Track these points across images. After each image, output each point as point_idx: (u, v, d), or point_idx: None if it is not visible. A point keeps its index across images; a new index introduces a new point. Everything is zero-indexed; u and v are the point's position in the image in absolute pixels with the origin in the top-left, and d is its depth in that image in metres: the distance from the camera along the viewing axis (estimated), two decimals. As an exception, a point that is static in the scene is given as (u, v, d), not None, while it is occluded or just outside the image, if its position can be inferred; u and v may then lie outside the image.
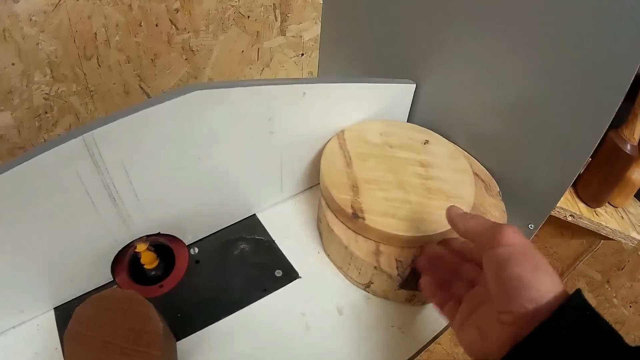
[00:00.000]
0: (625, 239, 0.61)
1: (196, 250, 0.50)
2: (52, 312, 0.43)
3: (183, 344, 0.41)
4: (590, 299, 1.21)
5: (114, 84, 0.54)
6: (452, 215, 0.36)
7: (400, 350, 0.43)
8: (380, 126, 0.53)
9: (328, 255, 0.49)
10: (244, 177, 0.49)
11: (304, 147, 0.52)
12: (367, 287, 0.46)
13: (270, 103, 0.43)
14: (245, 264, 0.49)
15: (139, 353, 0.32)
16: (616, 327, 1.06)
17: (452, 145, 0.52)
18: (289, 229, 0.52)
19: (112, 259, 0.44)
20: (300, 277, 0.48)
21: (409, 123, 0.55)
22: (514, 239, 0.29)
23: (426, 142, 0.51)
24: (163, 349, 0.33)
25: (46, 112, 0.57)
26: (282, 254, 0.50)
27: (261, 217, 0.53)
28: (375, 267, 0.43)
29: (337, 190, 0.45)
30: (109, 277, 0.45)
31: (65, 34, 0.53)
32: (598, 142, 0.43)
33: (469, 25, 0.48)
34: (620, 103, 0.39)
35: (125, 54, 0.57)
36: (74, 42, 0.54)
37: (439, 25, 0.51)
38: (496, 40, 0.47)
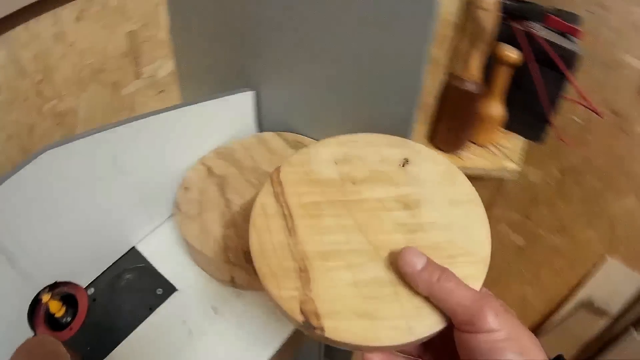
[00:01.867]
0: (501, 174, 0.70)
1: (92, 290, 0.60)
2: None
3: None
4: (517, 237, 1.39)
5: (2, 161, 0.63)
6: (411, 272, 0.30)
7: (275, 333, 0.54)
8: (335, 149, 0.41)
9: (195, 262, 0.60)
10: (113, 217, 0.59)
11: (162, 177, 0.62)
12: (232, 282, 0.57)
13: (113, 145, 0.54)
14: (132, 290, 0.60)
15: None
16: (553, 255, 1.19)
17: (440, 157, 0.40)
18: (164, 251, 0.63)
19: (26, 316, 0.53)
20: (177, 290, 0.58)
21: (374, 134, 0.43)
22: (497, 323, 0.26)
23: (405, 162, 0.39)
24: None
25: None
26: (160, 273, 0.61)
27: (139, 247, 0.64)
28: (225, 262, 0.53)
29: (276, 282, 0.32)
30: (31, 334, 0.54)
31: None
32: (413, 106, 0.54)
33: (289, 34, 0.60)
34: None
35: (6, 133, 0.67)
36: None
37: (267, 36, 0.63)
38: (314, 37, 0.58)
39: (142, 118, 0.58)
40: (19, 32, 0.61)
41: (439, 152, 0.68)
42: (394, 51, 0.52)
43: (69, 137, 0.51)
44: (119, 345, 0.54)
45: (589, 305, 1.32)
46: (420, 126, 0.66)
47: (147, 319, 0.57)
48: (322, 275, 0.32)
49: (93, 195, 0.55)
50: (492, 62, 0.65)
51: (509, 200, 1.31)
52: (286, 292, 0.31)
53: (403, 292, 0.31)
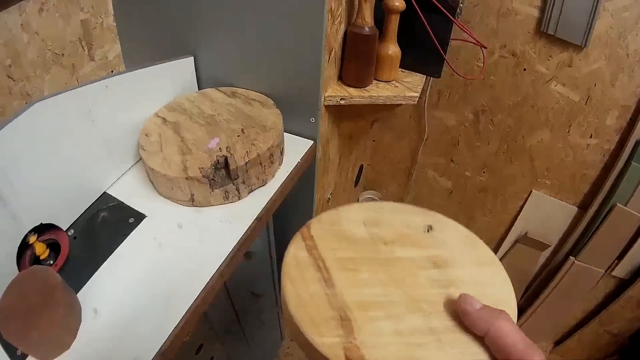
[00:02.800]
0: (403, 100, 0.89)
1: (72, 231, 0.75)
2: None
3: (83, 294, 0.65)
4: (445, 181, 1.60)
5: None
6: (471, 310, 0.32)
7: (229, 237, 0.70)
8: (360, 212, 0.43)
9: (160, 194, 0.75)
10: (88, 165, 0.75)
11: (124, 127, 0.79)
12: (192, 201, 0.72)
13: (85, 99, 0.71)
14: (106, 224, 0.75)
15: (48, 298, 0.56)
16: (482, 195, 1.37)
17: (460, 226, 0.43)
18: (133, 191, 0.79)
19: (15, 260, 0.66)
20: (146, 216, 0.74)
21: (399, 204, 0.46)
22: None
23: (429, 228, 0.42)
24: (64, 295, 0.58)
25: None
26: (130, 207, 0.77)
27: (110, 191, 0.79)
28: (186, 178, 0.68)
29: (317, 331, 0.33)
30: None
31: None
32: (321, 49, 0.75)
33: (216, 6, 0.79)
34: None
35: None
36: None
37: (199, 8, 0.82)
38: (237, 7, 0.78)
39: (109, 77, 0.74)
40: (-10, 22, 0.77)
41: (350, 87, 0.88)
42: (300, 8, 0.72)
43: (54, 93, 0.66)
44: (100, 267, 0.69)
45: (526, 240, 1.52)
46: (332, 69, 0.85)
47: (123, 242, 0.72)
48: (365, 324, 0.33)
49: (72, 144, 0.71)
50: (383, 11, 0.84)
51: (431, 146, 1.52)
52: (329, 339, 0.32)
53: (446, 340, 0.33)
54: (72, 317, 0.60)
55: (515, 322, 0.33)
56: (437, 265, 0.38)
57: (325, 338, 0.32)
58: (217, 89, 0.89)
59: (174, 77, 0.87)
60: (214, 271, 0.65)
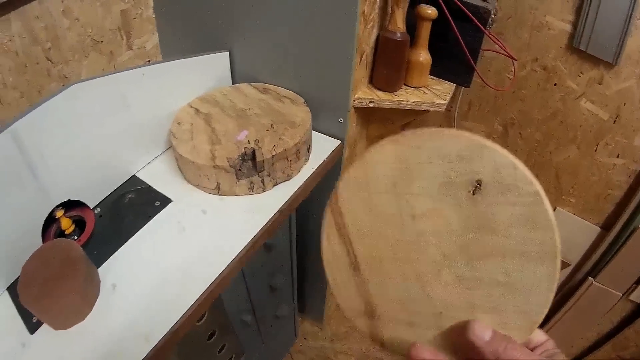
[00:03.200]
0: (431, 107, 0.90)
1: (98, 209, 0.78)
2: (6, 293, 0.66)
3: (103, 269, 0.68)
4: None
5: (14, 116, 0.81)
6: (480, 344, 0.32)
7: (251, 227, 0.73)
8: (393, 164, 0.34)
9: (188, 181, 0.78)
10: (119, 147, 0.79)
11: (158, 115, 0.83)
12: (218, 189, 0.75)
13: (122, 85, 0.74)
14: (133, 205, 0.78)
15: (69, 269, 0.60)
16: None
17: (528, 176, 0.31)
18: (161, 176, 0.83)
19: (40, 232, 0.70)
20: (172, 201, 0.77)
21: (439, 132, 0.32)
22: None
23: (476, 187, 0.31)
24: (85, 267, 0.61)
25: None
26: (157, 191, 0.80)
27: (139, 175, 0.83)
28: (213, 167, 0.71)
29: (352, 314, 0.37)
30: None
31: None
32: (353, 51, 0.77)
33: (254, 6, 0.83)
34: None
35: (19, 91, 0.86)
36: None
37: (237, 7, 0.85)
38: (273, 7, 0.80)
39: (146, 65, 0.77)
40: (34, 6, 0.82)
41: (379, 91, 0.90)
42: (333, 10, 0.75)
43: (92, 76, 0.70)
44: (123, 246, 0.72)
45: None
46: (362, 71, 0.87)
47: (147, 223, 0.75)
48: (387, 326, 0.37)
49: (105, 126, 0.75)
50: (415, 18, 0.85)
51: None
52: (360, 322, 0.37)
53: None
54: (91, 289, 0.64)
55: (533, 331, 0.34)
56: (469, 258, 0.32)
57: (358, 321, 0.37)
58: (250, 85, 0.91)
59: (208, 71, 0.90)
60: (231, 258, 0.68)
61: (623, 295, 1.34)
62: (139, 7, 0.98)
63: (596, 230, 1.36)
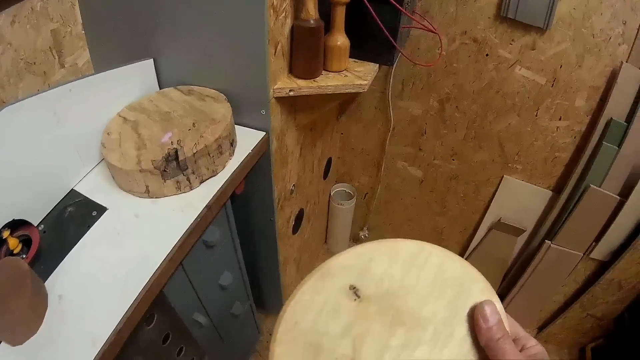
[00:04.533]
0: (352, 89, 0.93)
1: (42, 226, 0.81)
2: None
3: (50, 282, 0.71)
4: (415, 170, 1.63)
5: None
6: (482, 326, 0.36)
7: (181, 222, 0.76)
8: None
9: (121, 188, 0.81)
10: (55, 164, 0.81)
11: (90, 128, 0.86)
12: (148, 192, 0.79)
13: (51, 103, 0.77)
14: (73, 218, 0.81)
15: (18, 286, 0.63)
16: (453, 183, 1.41)
17: None
18: (97, 187, 0.86)
19: None
20: (108, 209, 0.80)
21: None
22: None
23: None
24: (32, 283, 0.64)
25: None
26: (94, 202, 0.83)
27: (78, 187, 0.86)
28: (140, 171, 0.74)
29: None
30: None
31: None
32: (265, 44, 0.81)
33: (174, 15, 0.86)
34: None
35: None
36: None
37: (160, 16, 0.88)
38: (190, 14, 0.84)
39: (73, 81, 0.81)
40: (-34, 35, 0.84)
41: (299, 79, 0.93)
42: (243, 6, 0.78)
43: (21, 98, 0.73)
44: (65, 257, 0.75)
45: (500, 226, 1.54)
46: (280, 62, 0.90)
47: (86, 233, 0.78)
48: None
49: (40, 144, 0.77)
50: (329, 4, 0.89)
51: (399, 136, 1.55)
52: None
53: None
54: (40, 303, 0.67)
55: None
56: None
57: None
58: (176, 88, 0.95)
59: (135, 79, 0.93)
60: (163, 256, 0.71)
61: (584, 254, 1.38)
62: (68, 25, 1.01)
63: (547, 194, 1.40)
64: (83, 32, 1.04)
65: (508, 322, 0.37)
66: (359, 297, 0.38)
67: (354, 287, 0.39)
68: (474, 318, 0.36)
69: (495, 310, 0.37)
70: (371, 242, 0.42)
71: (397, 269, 0.40)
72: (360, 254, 0.41)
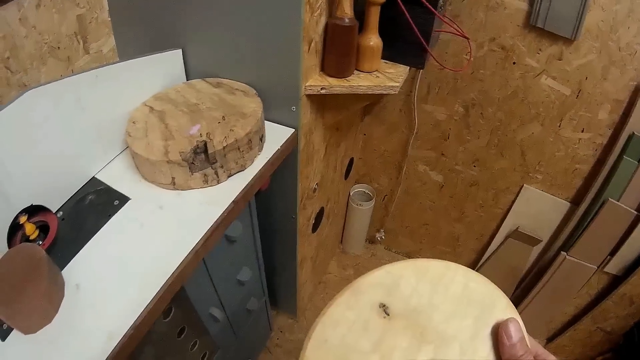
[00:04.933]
0: (384, 90, 0.91)
1: (61, 213, 0.79)
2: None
3: (67, 271, 0.69)
4: (436, 176, 1.61)
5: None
6: (505, 343, 0.38)
7: (205, 220, 0.74)
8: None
9: (145, 178, 0.79)
10: (77, 151, 0.80)
11: (114, 115, 0.84)
12: (173, 184, 0.77)
13: (75, 88, 0.75)
14: (93, 206, 0.80)
15: (34, 273, 0.61)
16: (473, 189, 1.39)
17: None
18: (119, 176, 0.84)
19: (6, 239, 0.70)
20: (130, 199, 0.78)
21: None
22: None
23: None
24: (49, 270, 0.62)
25: None
26: (116, 190, 0.81)
27: (99, 176, 0.84)
28: (167, 162, 0.73)
29: None
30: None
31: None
32: (299, 40, 0.80)
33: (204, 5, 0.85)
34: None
35: None
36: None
37: (188, 6, 0.86)
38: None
39: (99, 67, 0.78)
40: (-10, 17, 0.82)
41: (331, 78, 0.91)
42: (278, 2, 0.77)
43: (44, 82, 0.71)
44: (84, 246, 0.73)
45: (517, 235, 1.52)
46: (312, 59, 0.88)
47: (107, 222, 0.76)
48: None
49: (62, 130, 0.75)
50: (364, 3, 0.87)
51: (422, 140, 1.53)
52: None
53: None
54: (56, 292, 0.65)
55: None
56: None
57: None
58: (203, 80, 0.93)
59: (162, 69, 0.91)
60: (188, 251, 0.69)
61: (598, 267, 1.37)
62: (94, 11, 1.00)
63: (566, 205, 1.38)
64: (109, 19, 1.02)
65: (529, 340, 0.38)
66: (388, 314, 0.40)
67: (384, 305, 0.41)
68: (497, 335, 0.38)
69: (519, 327, 0.38)
70: (400, 261, 0.44)
71: (424, 287, 0.42)
72: (390, 273, 0.43)
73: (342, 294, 0.42)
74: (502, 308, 0.40)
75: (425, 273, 0.43)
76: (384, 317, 0.40)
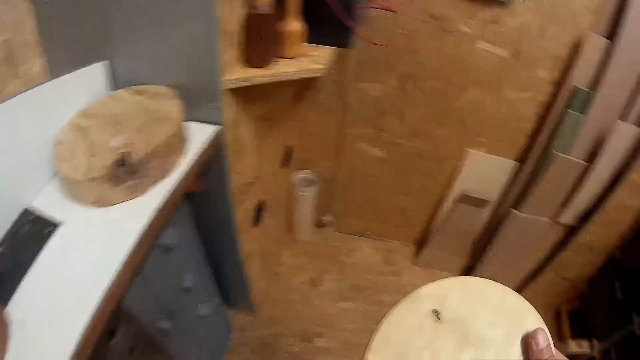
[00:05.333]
0: (308, 73, 0.90)
1: (1, 249, 0.78)
2: None
3: (12, 306, 0.67)
4: (377, 152, 1.60)
5: None
6: (534, 349, 0.43)
7: (133, 229, 0.73)
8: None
9: (74, 199, 0.79)
10: (7, 184, 0.77)
11: (40, 140, 0.81)
12: (100, 201, 0.76)
13: (3, 116, 0.73)
14: (28, 237, 0.78)
15: None
16: (416, 160, 1.38)
17: None
18: (51, 201, 0.81)
19: None
20: (62, 223, 0.77)
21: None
22: None
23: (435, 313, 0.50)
24: None
25: None
26: (47, 218, 0.79)
27: (35, 204, 0.82)
28: (90, 180, 0.72)
29: None
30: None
31: None
32: (214, 35, 0.78)
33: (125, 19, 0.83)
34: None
35: None
36: None
37: (113, 18, 0.84)
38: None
39: (23, 92, 0.77)
40: None
41: (252, 68, 0.89)
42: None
43: None
44: (25, 278, 0.71)
45: (465, 199, 1.54)
46: (233, 52, 0.87)
47: (42, 252, 0.74)
48: None
49: None
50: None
51: (358, 118, 1.52)
52: None
53: None
54: (2, 335, 0.63)
55: None
56: None
57: None
58: (126, 89, 0.91)
59: (85, 83, 0.89)
60: (117, 267, 0.69)
61: (552, 220, 1.39)
62: (21, 34, 0.96)
63: (512, 164, 1.40)
64: (40, 38, 0.99)
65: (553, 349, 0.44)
66: (439, 319, 0.48)
67: (436, 312, 0.49)
68: (527, 342, 0.44)
69: (546, 336, 0.43)
70: (450, 278, 0.52)
71: (469, 299, 0.50)
72: (442, 286, 0.51)
73: (403, 301, 0.51)
74: (532, 319, 0.47)
75: (470, 287, 0.51)
76: (436, 321, 0.48)
